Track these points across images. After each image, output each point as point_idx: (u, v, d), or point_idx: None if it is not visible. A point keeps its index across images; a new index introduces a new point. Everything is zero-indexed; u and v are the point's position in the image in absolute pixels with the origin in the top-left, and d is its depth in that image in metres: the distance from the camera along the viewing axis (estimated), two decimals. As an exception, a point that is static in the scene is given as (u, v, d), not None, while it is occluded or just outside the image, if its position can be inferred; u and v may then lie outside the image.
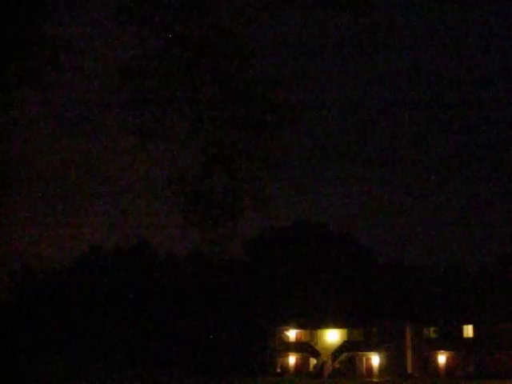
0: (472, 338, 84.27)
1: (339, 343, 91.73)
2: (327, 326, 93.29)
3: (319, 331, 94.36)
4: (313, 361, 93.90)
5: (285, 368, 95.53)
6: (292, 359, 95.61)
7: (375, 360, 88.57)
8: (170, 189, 11.06)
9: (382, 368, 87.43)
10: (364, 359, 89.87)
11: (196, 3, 10.28)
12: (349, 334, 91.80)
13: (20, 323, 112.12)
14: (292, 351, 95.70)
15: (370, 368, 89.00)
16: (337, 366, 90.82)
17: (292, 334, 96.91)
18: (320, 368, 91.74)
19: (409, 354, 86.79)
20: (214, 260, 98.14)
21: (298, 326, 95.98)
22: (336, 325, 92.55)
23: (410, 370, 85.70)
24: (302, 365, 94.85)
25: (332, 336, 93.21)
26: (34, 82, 10.75)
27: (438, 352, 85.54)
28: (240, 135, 10.87)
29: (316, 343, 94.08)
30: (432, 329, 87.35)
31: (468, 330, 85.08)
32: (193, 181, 10.84)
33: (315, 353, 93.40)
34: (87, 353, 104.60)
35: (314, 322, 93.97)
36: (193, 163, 10.99)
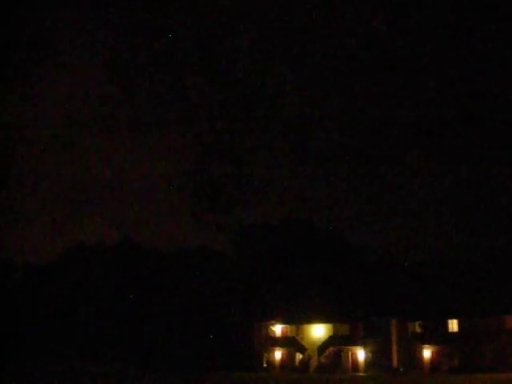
0: (457, 332, 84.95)
1: (325, 338, 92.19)
2: (313, 320, 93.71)
3: (305, 326, 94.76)
4: (299, 356, 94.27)
5: (271, 363, 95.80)
6: (278, 354, 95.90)
7: (361, 355, 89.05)
8: (172, 181, 11.07)
9: (368, 362, 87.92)
10: (350, 354, 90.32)
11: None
12: (334, 329, 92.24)
13: (3, 321, 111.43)
14: (278, 346, 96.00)
15: (355, 363, 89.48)
16: (323, 360, 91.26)
17: (278, 329, 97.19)
18: (306, 363, 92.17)
19: (394, 348, 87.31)
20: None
21: (284, 321, 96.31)
22: (322, 320, 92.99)
23: (395, 365, 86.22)
24: (287, 359, 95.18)
25: (318, 331, 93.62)
26: (20, 78, 10.77)
27: (423, 346, 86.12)
28: (234, 123, 10.94)
29: (302, 338, 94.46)
30: (417, 323, 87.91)
31: (453, 325, 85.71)
32: (195, 171, 10.89)
33: (301, 347, 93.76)
34: (71, 350, 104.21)
35: (299, 316, 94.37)
36: (191, 154, 11.01)
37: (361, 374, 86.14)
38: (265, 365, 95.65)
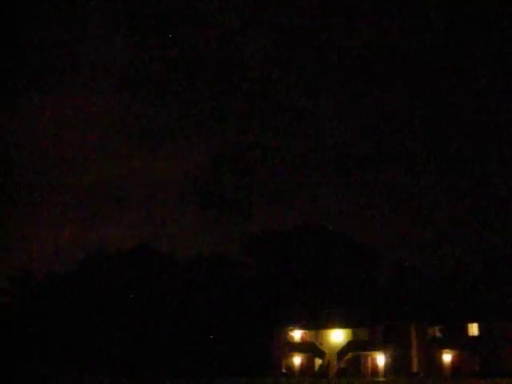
0: (477, 336, 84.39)
1: (344, 343, 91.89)
2: (332, 326, 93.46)
3: (324, 331, 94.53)
4: (318, 361, 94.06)
5: (290, 368, 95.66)
6: (297, 359, 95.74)
7: (380, 360, 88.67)
8: (182, 189, 11.08)
9: (388, 367, 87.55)
10: (369, 359, 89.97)
11: (193, 9, 10.31)
12: (354, 334, 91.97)
13: (22, 328, 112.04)
14: (297, 351, 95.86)
15: (375, 368, 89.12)
16: (342, 365, 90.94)
17: (297, 335, 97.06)
18: (325, 368, 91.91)
19: (414, 353, 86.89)
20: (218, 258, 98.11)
21: (303, 327, 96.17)
22: (341, 325, 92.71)
23: (415, 370, 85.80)
24: (307, 365, 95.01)
25: (337, 336, 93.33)
26: (37, 88, 10.77)
27: (443, 351, 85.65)
28: (245, 132, 10.87)
29: (321, 343, 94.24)
30: (437, 328, 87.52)
31: (473, 329, 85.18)
32: (204, 179, 10.87)
33: (320, 353, 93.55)
34: (92, 356, 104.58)
35: (318, 322, 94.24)
36: (201, 163, 11.00)
37: (381, 379, 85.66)
38: (284, 370, 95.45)
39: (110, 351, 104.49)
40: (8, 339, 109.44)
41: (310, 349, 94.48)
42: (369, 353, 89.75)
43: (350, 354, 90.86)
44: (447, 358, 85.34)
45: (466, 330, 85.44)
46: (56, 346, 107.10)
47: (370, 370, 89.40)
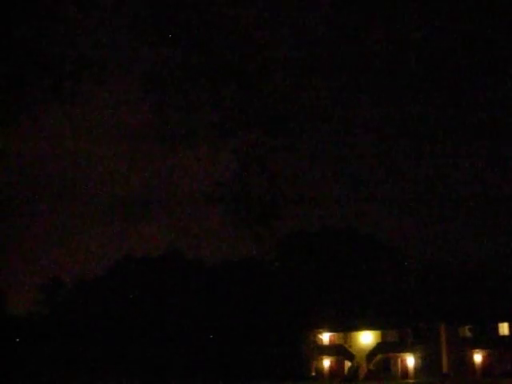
0: (508, 335, 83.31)
1: (373, 345, 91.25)
2: (361, 328, 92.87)
3: (353, 333, 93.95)
4: (347, 363, 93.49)
5: (319, 371, 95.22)
6: (326, 362, 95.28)
7: (410, 361, 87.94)
8: (208, 193, 11.11)
9: (418, 369, 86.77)
10: (399, 360, 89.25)
11: (214, 11, 10.31)
12: (383, 336, 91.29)
13: (53, 335, 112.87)
14: (326, 354, 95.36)
15: (405, 369, 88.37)
16: (371, 367, 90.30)
17: (326, 337, 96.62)
18: (355, 370, 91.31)
19: (444, 353, 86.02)
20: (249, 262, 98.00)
21: (332, 329, 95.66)
22: (370, 327, 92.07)
23: (445, 370, 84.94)
24: (336, 368, 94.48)
25: (366, 338, 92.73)
26: (58, 96, 10.79)
27: (473, 351, 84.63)
28: (269, 134, 10.88)
29: (350, 346, 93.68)
30: (467, 328, 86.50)
31: (504, 328, 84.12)
32: (231, 183, 10.87)
33: (349, 355, 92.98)
34: (123, 362, 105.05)
35: (347, 324, 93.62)
36: (227, 166, 11.02)
37: (411, 380, 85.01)
38: (313, 373, 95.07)
39: (141, 356, 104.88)
40: (40, 347, 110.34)
41: (339, 351, 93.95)
42: (398, 354, 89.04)
43: (379, 356, 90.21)
44: (478, 357, 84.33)
45: (496, 329, 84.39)
46: (87, 352, 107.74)
47: (399, 372, 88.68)
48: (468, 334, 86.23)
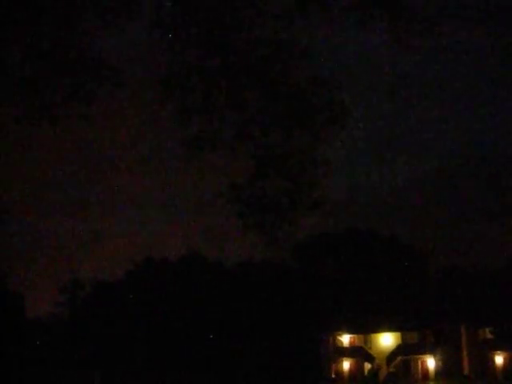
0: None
1: (393, 347, 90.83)
2: (381, 329, 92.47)
3: (373, 335, 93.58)
4: (367, 365, 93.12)
5: (339, 373, 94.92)
6: (346, 364, 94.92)
7: (431, 363, 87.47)
8: (224, 195, 11.15)
9: (438, 371, 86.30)
10: (419, 362, 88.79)
11: (233, 12, 10.34)
12: (403, 338, 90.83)
13: (74, 338, 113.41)
14: (346, 356, 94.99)
15: (425, 371, 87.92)
16: (392, 369, 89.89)
17: (345, 339, 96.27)
18: (375, 373, 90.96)
19: (465, 355, 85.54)
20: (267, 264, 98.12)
21: (352, 331, 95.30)
22: (390, 328, 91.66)
23: (466, 372, 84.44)
24: (356, 370, 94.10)
25: (386, 340, 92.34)
26: (78, 98, 10.87)
27: (494, 353, 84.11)
28: (288, 137, 10.91)
29: (370, 347, 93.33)
30: (488, 330, 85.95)
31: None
32: (247, 185, 10.90)
33: (369, 357, 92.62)
34: (141, 364, 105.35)
35: (367, 326, 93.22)
36: (244, 169, 11.05)
37: (431, 382, 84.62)
38: (333, 376, 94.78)
39: (160, 359, 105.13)
40: (60, 349, 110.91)
41: (359, 353, 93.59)
42: (419, 356, 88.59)
43: (399, 358, 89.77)
44: (499, 359, 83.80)
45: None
46: (107, 354, 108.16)
47: (420, 374, 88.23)
48: (489, 336, 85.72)
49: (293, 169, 10.98)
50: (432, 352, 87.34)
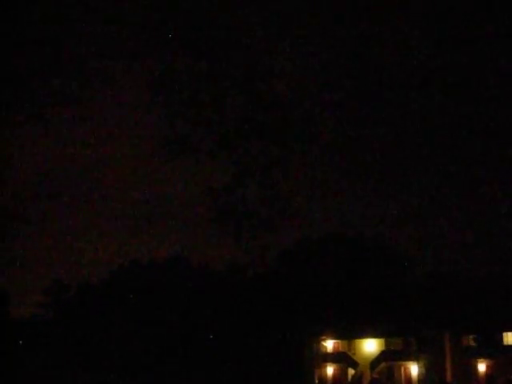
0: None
1: (377, 353, 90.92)
2: (365, 335, 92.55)
3: (357, 341, 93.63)
4: (351, 371, 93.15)
5: (323, 379, 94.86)
6: (330, 370, 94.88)
7: (414, 369, 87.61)
8: (203, 200, 11.08)
9: (422, 377, 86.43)
10: (403, 369, 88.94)
11: (219, 21, 10.28)
12: (387, 344, 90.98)
13: (57, 338, 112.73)
14: (330, 362, 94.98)
15: (408, 378, 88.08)
16: (375, 376, 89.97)
17: (329, 345, 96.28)
18: (358, 378, 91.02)
19: (448, 362, 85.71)
20: (251, 269, 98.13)
21: (335, 336, 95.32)
22: (374, 334, 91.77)
23: (449, 379, 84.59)
24: (340, 375, 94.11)
25: (370, 346, 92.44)
26: (64, 99, 10.78)
27: (478, 360, 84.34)
28: (267, 147, 10.85)
29: (354, 353, 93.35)
30: (471, 337, 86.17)
31: (508, 338, 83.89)
32: (224, 192, 10.82)
33: (353, 363, 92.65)
34: (126, 366, 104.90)
35: (351, 331, 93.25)
36: (222, 175, 10.98)
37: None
38: (316, 381, 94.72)
39: (144, 361, 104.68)
40: (43, 350, 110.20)
41: (343, 359, 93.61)
42: (402, 363, 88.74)
43: (383, 364, 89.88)
44: (482, 367, 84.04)
45: (501, 338, 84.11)
46: (90, 356, 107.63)
47: (403, 380, 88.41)
48: (472, 343, 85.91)
49: (272, 178, 10.90)
50: (415, 359, 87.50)
